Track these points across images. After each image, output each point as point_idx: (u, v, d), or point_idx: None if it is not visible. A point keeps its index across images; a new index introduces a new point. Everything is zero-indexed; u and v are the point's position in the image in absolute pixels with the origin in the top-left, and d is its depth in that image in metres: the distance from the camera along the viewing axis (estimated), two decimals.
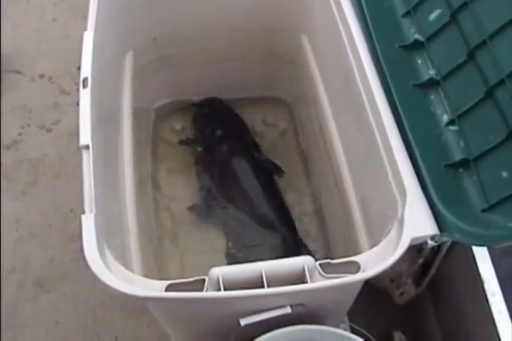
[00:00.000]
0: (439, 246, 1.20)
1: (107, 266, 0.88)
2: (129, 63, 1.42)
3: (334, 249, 1.47)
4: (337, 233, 1.44)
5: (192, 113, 1.74)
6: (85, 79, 1.07)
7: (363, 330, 1.09)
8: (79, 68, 1.09)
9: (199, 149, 1.67)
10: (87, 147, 0.99)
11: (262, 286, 0.88)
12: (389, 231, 0.94)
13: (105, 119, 1.18)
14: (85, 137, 1.00)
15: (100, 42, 1.16)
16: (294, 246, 1.49)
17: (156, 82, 1.59)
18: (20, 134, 1.89)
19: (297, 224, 1.54)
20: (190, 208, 1.57)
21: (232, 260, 1.48)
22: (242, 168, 1.59)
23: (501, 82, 0.94)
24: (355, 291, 1.05)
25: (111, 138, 1.25)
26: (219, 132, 1.66)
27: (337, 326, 1.21)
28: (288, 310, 0.94)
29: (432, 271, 1.29)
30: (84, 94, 1.05)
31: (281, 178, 1.63)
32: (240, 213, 1.54)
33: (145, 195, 1.43)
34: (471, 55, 1.02)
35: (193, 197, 1.60)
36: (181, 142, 1.70)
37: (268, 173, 1.63)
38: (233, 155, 1.61)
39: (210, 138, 1.66)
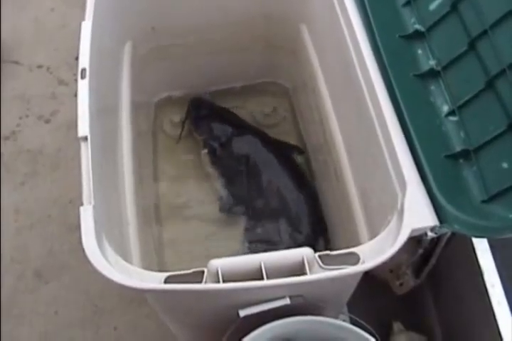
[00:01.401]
0: (439, 237, 1.19)
1: (106, 258, 0.88)
2: (127, 53, 1.41)
3: (334, 240, 1.46)
4: (337, 224, 1.44)
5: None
6: (83, 70, 1.06)
7: (362, 321, 1.09)
8: (77, 58, 1.09)
9: (212, 151, 1.64)
10: (85, 138, 0.98)
11: (261, 278, 0.88)
12: (389, 223, 0.94)
13: (104, 110, 1.18)
14: (84, 128, 1.00)
15: (98, 32, 1.15)
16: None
17: (155, 73, 1.59)
18: (18, 125, 1.89)
19: None
20: (221, 209, 1.56)
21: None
22: (269, 157, 1.60)
23: (502, 72, 0.94)
24: (355, 282, 1.05)
25: (110, 129, 1.25)
26: (229, 131, 1.65)
27: (336, 317, 1.21)
28: (287, 301, 0.94)
29: (432, 261, 1.29)
30: (83, 85, 1.05)
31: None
32: (266, 205, 1.54)
33: (144, 187, 1.43)
34: (472, 45, 1.01)
35: (195, 187, 1.60)
36: (210, 152, 1.65)
37: (290, 157, 1.64)
38: (255, 147, 1.61)
39: (222, 136, 1.64)
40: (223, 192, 1.58)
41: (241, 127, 1.67)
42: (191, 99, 1.71)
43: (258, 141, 1.62)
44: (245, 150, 1.61)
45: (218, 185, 1.59)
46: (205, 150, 1.64)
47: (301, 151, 1.65)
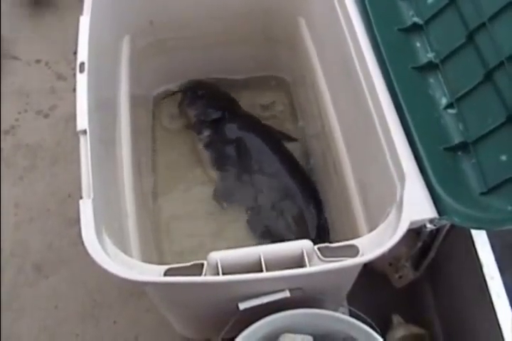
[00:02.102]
0: (438, 230, 1.20)
1: (105, 251, 0.88)
2: (126, 47, 1.41)
3: (333, 232, 1.47)
4: (336, 217, 1.44)
5: (181, 99, 1.72)
6: (82, 64, 1.06)
7: (361, 314, 1.09)
8: (75, 53, 1.09)
9: (205, 133, 1.64)
10: (84, 132, 0.99)
11: (261, 270, 0.88)
12: (388, 215, 0.94)
13: (103, 104, 1.17)
14: (82, 122, 1.00)
15: (97, 26, 1.15)
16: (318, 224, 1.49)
17: (153, 66, 1.58)
18: (17, 119, 1.88)
19: None
20: (214, 195, 1.56)
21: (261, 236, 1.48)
22: (261, 142, 1.59)
23: (501, 64, 0.94)
24: (354, 275, 1.05)
25: (108, 123, 1.25)
26: (222, 112, 1.65)
27: (336, 310, 1.21)
28: (287, 294, 0.94)
29: (431, 254, 1.29)
30: (81, 79, 1.05)
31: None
32: (265, 190, 1.53)
33: (143, 180, 1.43)
34: (470, 38, 1.01)
35: (193, 181, 1.59)
36: (188, 126, 1.67)
37: (282, 144, 1.64)
38: (247, 131, 1.61)
39: (215, 119, 1.64)
40: (216, 178, 1.58)
41: (235, 112, 1.67)
42: (190, 80, 1.71)
43: (250, 127, 1.62)
44: (236, 134, 1.60)
45: (210, 171, 1.60)
46: (200, 135, 1.64)
47: (294, 139, 1.65)
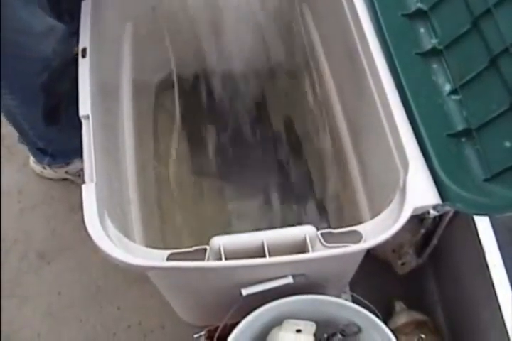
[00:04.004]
0: (441, 217, 1.20)
1: (108, 236, 0.88)
2: (128, 33, 1.41)
3: (336, 218, 1.47)
4: (339, 203, 1.44)
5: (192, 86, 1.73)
6: (84, 50, 1.06)
7: (364, 300, 1.10)
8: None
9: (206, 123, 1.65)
10: (87, 117, 0.99)
11: (264, 256, 0.88)
12: (391, 201, 0.94)
13: (105, 90, 1.17)
14: (85, 107, 1.00)
15: (99, 11, 1.15)
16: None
17: (156, 52, 1.57)
18: None
19: None
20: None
21: None
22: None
23: (505, 50, 0.94)
24: (357, 261, 1.06)
25: (111, 109, 1.25)
26: (227, 104, 1.65)
27: (338, 296, 1.22)
28: (290, 280, 0.94)
29: (434, 241, 1.29)
30: (84, 64, 1.05)
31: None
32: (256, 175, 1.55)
33: (146, 165, 1.43)
34: (475, 24, 1.01)
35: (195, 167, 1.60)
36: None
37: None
38: (245, 125, 1.61)
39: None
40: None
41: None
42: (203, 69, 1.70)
43: (250, 120, 1.62)
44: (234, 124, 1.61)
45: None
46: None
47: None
